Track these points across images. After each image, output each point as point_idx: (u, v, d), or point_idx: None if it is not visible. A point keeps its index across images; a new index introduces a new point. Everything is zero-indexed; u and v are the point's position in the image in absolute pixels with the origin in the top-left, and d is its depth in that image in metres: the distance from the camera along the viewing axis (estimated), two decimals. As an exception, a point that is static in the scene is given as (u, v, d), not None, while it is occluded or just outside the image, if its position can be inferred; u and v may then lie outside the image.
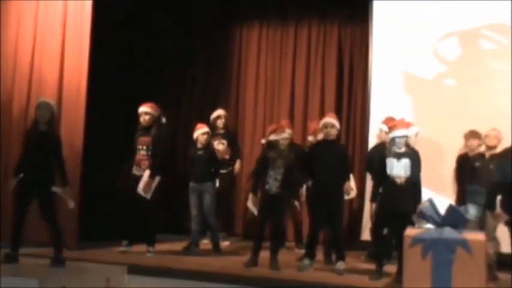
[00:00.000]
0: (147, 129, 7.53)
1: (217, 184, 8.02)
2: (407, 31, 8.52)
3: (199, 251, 7.89)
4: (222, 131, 8.50)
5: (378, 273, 6.64)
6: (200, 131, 7.94)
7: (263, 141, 7.60)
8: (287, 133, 7.29)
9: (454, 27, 8.37)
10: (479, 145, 7.23)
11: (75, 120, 7.76)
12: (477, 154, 7.13)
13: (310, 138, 8.02)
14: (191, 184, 7.90)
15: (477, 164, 7.05)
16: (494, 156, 7.00)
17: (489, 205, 6.58)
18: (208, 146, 7.98)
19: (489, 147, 7.07)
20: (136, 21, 8.98)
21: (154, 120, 7.55)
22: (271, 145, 7.13)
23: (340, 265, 6.90)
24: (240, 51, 9.69)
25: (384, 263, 6.73)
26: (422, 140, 7.59)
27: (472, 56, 8.31)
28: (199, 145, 7.92)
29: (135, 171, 7.50)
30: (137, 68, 8.93)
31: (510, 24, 8.07)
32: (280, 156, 7.06)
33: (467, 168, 7.16)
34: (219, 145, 8.24)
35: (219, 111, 8.59)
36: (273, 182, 7.03)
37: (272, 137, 7.14)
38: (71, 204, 6.92)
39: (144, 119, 7.50)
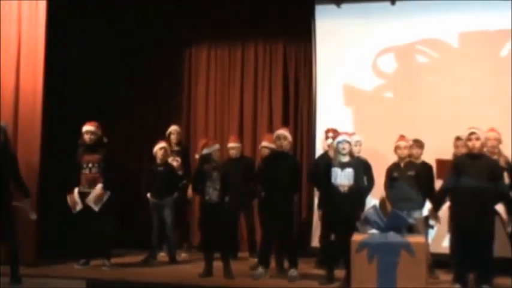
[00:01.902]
0: (91, 148, 7.50)
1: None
2: (348, 47, 8.68)
3: (157, 263, 7.88)
4: (176, 148, 8.49)
5: (328, 279, 6.73)
6: (157, 146, 7.97)
7: (197, 156, 7.63)
8: (217, 145, 7.33)
9: (391, 42, 8.57)
10: (422, 154, 7.43)
11: (32, 137, 7.72)
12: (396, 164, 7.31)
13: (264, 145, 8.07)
14: (151, 199, 7.90)
15: (395, 173, 7.23)
16: (408, 165, 7.21)
17: (436, 209, 6.76)
18: (167, 161, 8.00)
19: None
20: (89, 41, 8.95)
21: (98, 139, 7.54)
22: (205, 158, 7.19)
23: (293, 272, 6.97)
24: (190, 70, 9.73)
25: (333, 268, 6.82)
26: (364, 150, 7.75)
27: (408, 70, 8.53)
28: (158, 160, 7.93)
29: (82, 188, 7.47)
30: (89, 86, 8.93)
31: (442, 39, 8.34)
32: (215, 168, 7.12)
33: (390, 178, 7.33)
34: (173, 162, 8.24)
35: (171, 128, 8.59)
36: (213, 192, 7.08)
37: (205, 151, 7.20)
38: (33, 216, 6.84)
39: (89, 137, 7.48)
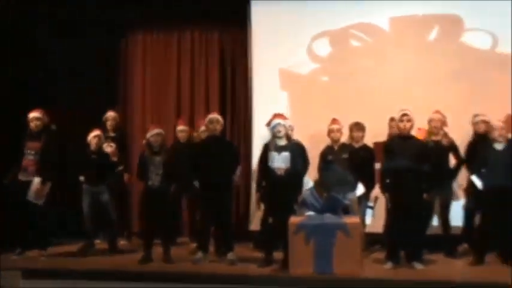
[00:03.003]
0: (35, 135, 7.26)
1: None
2: (284, 32, 8.63)
3: (95, 251, 7.69)
4: (112, 134, 8.29)
5: (267, 261, 6.71)
6: (91, 134, 7.73)
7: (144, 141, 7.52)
8: (157, 130, 7.17)
9: (326, 27, 8.57)
10: (363, 137, 7.48)
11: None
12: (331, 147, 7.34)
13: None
14: (85, 186, 7.67)
15: (330, 157, 7.27)
16: (342, 147, 7.28)
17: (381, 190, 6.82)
18: (100, 148, 7.79)
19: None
20: (20, 32, 8.61)
21: (44, 126, 7.31)
22: (147, 144, 7.10)
23: (231, 255, 6.92)
24: (126, 56, 9.53)
25: (271, 250, 6.80)
26: (299, 133, 7.75)
27: (343, 54, 8.55)
28: (91, 148, 7.72)
29: (22, 176, 7.22)
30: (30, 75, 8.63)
31: (374, 24, 8.40)
32: (157, 154, 7.03)
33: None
34: (108, 147, 8.02)
35: (107, 114, 8.38)
36: (155, 177, 6.98)
37: (147, 136, 7.13)
38: None
39: (35, 124, 7.27)
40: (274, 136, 6.73)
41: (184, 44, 9.37)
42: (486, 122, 7.09)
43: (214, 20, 9.19)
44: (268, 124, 7.10)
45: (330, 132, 7.32)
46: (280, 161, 6.67)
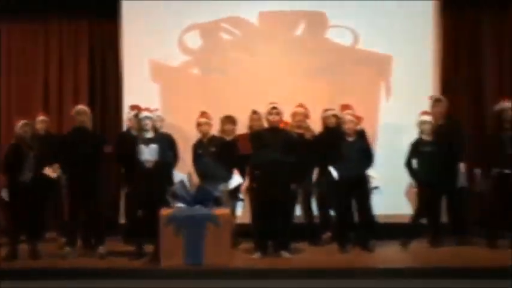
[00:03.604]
0: None
1: None
2: (155, 24, 8.52)
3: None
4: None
5: (138, 254, 6.68)
6: None
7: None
8: (22, 122, 6.96)
9: (197, 20, 8.56)
10: (234, 129, 7.59)
11: None
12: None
13: None
14: None
15: (199, 150, 7.35)
16: (211, 140, 7.34)
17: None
18: None
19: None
20: None
21: None
22: (19, 137, 6.89)
23: (101, 249, 6.84)
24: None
25: (142, 243, 6.77)
26: (169, 126, 7.77)
27: (213, 47, 8.59)
28: None
29: None
30: None
31: (244, 18, 8.51)
32: (29, 147, 6.81)
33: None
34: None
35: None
36: (28, 173, 6.76)
37: (16, 129, 6.92)
38: None
39: None
40: (142, 129, 6.71)
41: (52, 33, 9.02)
42: (336, 116, 7.44)
43: (83, 9, 8.91)
44: (136, 116, 7.09)
45: (198, 125, 7.39)
46: (148, 154, 6.67)
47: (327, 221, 7.53)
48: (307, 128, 7.52)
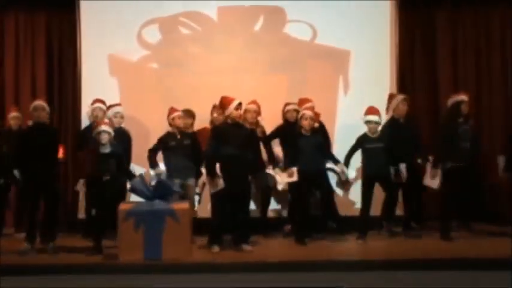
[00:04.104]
0: None
1: None
2: (113, 18, 8.46)
3: None
4: None
5: (96, 249, 6.63)
6: None
7: None
8: None
9: (155, 14, 8.51)
10: (192, 124, 7.62)
11: None
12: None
13: None
14: None
15: (172, 143, 7.29)
16: (184, 134, 7.31)
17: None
18: None
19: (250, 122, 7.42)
20: None
21: None
22: None
23: (51, 245, 6.77)
24: None
25: (100, 239, 6.72)
26: (129, 120, 7.71)
27: (172, 41, 8.56)
28: None
29: None
30: None
31: (202, 12, 8.49)
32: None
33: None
34: None
35: None
36: None
37: None
38: None
39: None
40: (99, 143, 6.70)
41: (8, 26, 8.85)
42: (297, 111, 7.50)
43: (41, 1, 8.77)
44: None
45: (172, 119, 7.32)
46: (106, 149, 6.63)
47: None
48: (257, 124, 7.55)
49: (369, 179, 7.28)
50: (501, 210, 8.29)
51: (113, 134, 6.78)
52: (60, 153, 7.20)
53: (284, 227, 7.67)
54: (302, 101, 7.59)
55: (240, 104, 6.81)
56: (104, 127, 6.70)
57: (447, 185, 7.19)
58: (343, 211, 7.74)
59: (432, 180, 7.23)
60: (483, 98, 8.74)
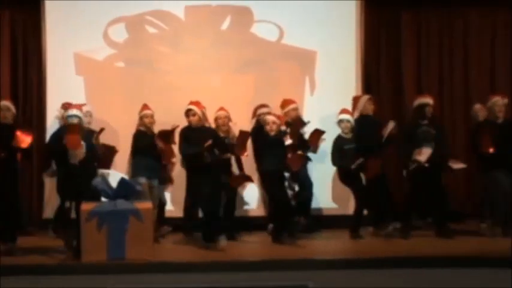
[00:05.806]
0: None
1: None
2: (79, 17, 8.32)
3: None
4: None
5: (68, 247, 6.54)
6: None
7: None
8: None
9: (122, 13, 8.40)
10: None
11: None
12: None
13: None
14: None
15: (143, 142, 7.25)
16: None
17: None
18: None
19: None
20: None
21: None
22: None
23: (10, 245, 6.60)
24: None
25: (71, 237, 6.58)
26: (96, 120, 7.58)
27: (139, 40, 8.45)
28: None
29: None
30: None
31: (170, 11, 8.39)
32: None
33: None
34: None
35: None
36: None
37: None
38: None
39: None
40: None
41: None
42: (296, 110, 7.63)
43: (4, 1, 8.56)
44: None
45: (143, 117, 7.33)
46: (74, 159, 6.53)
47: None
48: (228, 131, 7.49)
49: (351, 173, 7.28)
50: (461, 209, 8.38)
51: (83, 119, 6.73)
52: (24, 142, 6.90)
53: (269, 226, 7.61)
54: (286, 102, 7.65)
55: (188, 110, 6.94)
56: (74, 111, 6.58)
57: (410, 185, 7.22)
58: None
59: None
60: (445, 97, 8.77)
